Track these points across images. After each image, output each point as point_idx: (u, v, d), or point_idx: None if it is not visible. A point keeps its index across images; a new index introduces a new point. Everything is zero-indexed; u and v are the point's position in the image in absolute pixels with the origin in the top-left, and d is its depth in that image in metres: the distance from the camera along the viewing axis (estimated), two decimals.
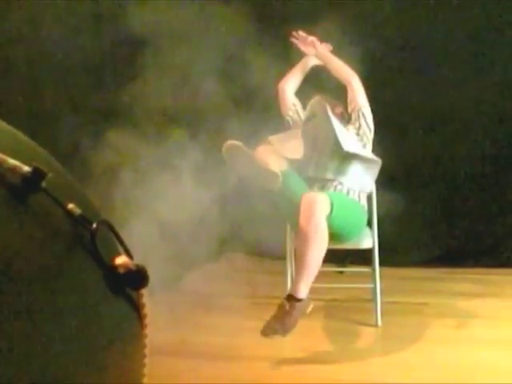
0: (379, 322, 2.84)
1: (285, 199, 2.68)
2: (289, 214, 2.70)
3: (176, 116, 3.36)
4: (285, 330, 2.40)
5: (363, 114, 2.92)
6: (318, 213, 2.44)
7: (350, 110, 2.98)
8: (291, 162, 2.75)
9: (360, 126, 2.91)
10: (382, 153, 2.88)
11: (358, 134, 2.91)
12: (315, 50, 3.01)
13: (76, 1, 3.51)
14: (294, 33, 3.03)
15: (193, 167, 2.97)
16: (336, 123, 2.75)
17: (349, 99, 2.97)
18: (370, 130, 2.93)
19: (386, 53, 3.70)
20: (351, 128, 2.92)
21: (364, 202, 2.89)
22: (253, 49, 3.23)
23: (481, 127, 3.75)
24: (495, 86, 3.67)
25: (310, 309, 2.46)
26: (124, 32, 3.28)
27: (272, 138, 2.78)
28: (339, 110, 3.01)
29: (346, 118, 2.97)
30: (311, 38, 3.01)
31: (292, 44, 3.04)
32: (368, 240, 2.86)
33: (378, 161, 2.83)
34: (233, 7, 3.22)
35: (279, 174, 2.54)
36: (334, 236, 2.62)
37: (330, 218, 2.50)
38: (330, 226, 2.51)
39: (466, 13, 3.65)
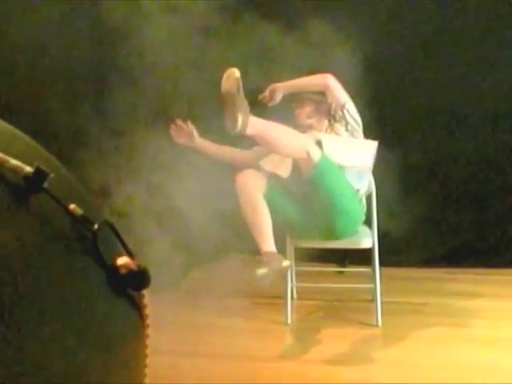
0: (379, 322, 2.84)
1: (273, 214, 2.70)
2: (280, 225, 2.77)
3: (175, 116, 3.36)
4: None
5: (347, 111, 2.94)
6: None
7: (333, 109, 2.98)
8: (278, 176, 2.78)
9: (347, 122, 2.93)
10: (383, 151, 2.88)
11: (347, 130, 2.92)
12: (281, 92, 3.00)
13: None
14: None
15: (193, 167, 2.97)
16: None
17: (330, 100, 2.96)
18: (357, 124, 2.95)
19: (386, 52, 3.70)
20: (339, 126, 2.94)
21: (363, 200, 2.89)
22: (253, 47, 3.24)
23: (483, 127, 3.75)
24: (496, 86, 3.67)
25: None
26: (124, 35, 3.29)
27: (262, 163, 2.80)
28: (323, 107, 3.01)
29: (331, 115, 2.99)
30: (270, 88, 3.00)
31: None
32: (368, 240, 2.86)
33: (373, 144, 2.82)
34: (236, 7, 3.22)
35: (289, 263, 2.65)
36: (329, 222, 2.64)
37: (318, 165, 2.54)
38: (320, 185, 2.58)
39: (467, 12, 3.66)
